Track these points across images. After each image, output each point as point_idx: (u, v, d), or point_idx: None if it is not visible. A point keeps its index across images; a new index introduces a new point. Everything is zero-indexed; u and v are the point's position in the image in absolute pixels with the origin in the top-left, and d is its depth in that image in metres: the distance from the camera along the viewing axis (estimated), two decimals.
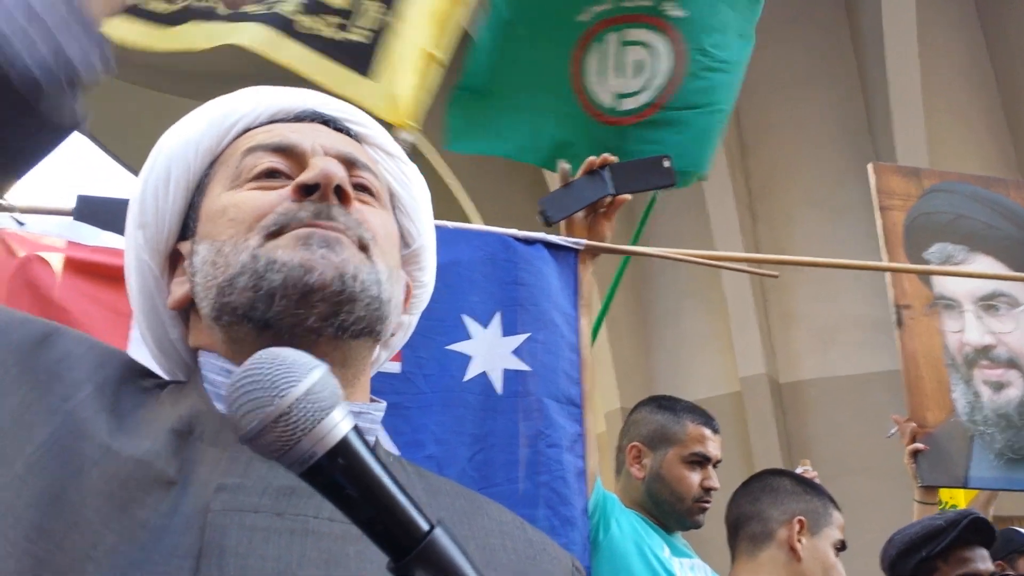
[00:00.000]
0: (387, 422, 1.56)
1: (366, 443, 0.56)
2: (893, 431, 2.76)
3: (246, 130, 0.82)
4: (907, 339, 2.79)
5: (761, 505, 1.84)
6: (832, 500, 1.87)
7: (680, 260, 1.82)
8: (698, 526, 2.13)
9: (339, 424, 0.55)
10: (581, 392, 1.65)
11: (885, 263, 2.86)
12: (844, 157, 5.54)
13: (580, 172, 1.80)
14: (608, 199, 1.80)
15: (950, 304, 2.87)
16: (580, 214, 1.81)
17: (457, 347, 1.59)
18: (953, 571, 2.16)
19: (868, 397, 4.88)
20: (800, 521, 1.78)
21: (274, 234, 0.72)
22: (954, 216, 2.98)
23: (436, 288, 1.63)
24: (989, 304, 2.88)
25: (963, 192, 3.04)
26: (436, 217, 1.87)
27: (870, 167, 3.05)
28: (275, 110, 0.83)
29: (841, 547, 1.81)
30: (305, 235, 0.71)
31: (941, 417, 2.73)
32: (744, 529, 1.84)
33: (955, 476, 2.70)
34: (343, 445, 0.55)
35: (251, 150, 0.78)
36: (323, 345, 0.71)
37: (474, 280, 1.63)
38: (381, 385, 1.55)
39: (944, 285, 2.89)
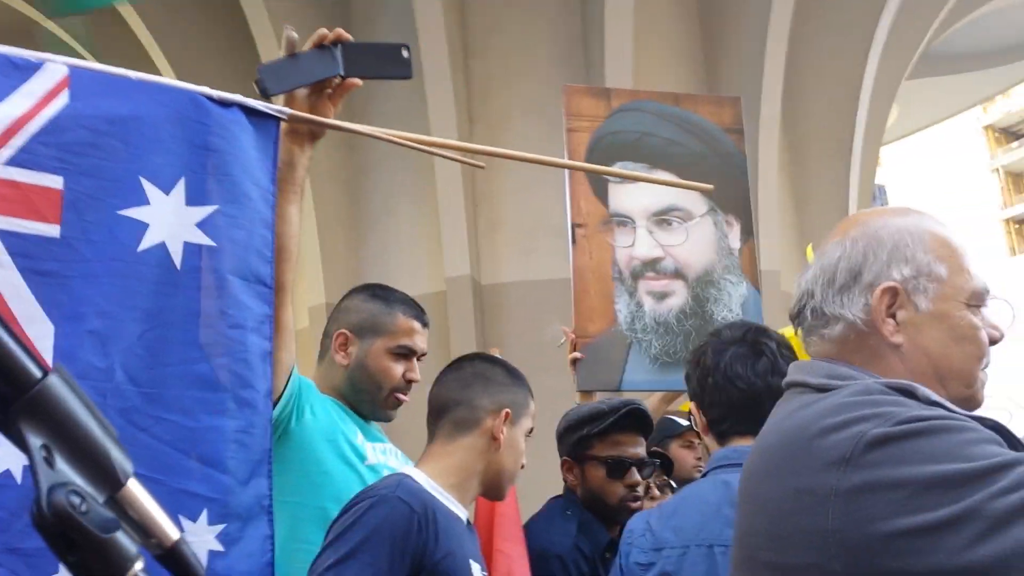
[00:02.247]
0: (43, 292, 1.37)
1: None
2: (562, 341, 2.92)
3: None
4: (577, 255, 2.90)
5: (472, 392, 1.83)
6: (530, 390, 1.93)
7: (391, 141, 1.75)
8: (389, 419, 2.14)
9: None
10: (273, 272, 1.54)
11: (567, 160, 2.90)
12: (561, 71, 5.71)
13: (309, 44, 1.64)
14: (337, 80, 1.66)
15: (623, 221, 2.97)
16: (303, 91, 1.65)
17: (131, 213, 1.40)
18: (606, 451, 2.41)
19: (555, 301, 5.22)
20: (507, 413, 1.81)
21: None
22: (638, 135, 3.04)
23: (110, 145, 1.44)
24: (663, 219, 3.00)
25: (650, 110, 3.10)
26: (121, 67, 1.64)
27: (563, 88, 3.08)
28: None
29: (529, 433, 1.91)
30: None
31: (602, 327, 2.87)
32: (450, 413, 1.82)
33: (609, 381, 2.87)
34: None
35: None
36: None
37: (157, 139, 1.43)
38: (37, 250, 1.34)
39: (619, 203, 2.97)
